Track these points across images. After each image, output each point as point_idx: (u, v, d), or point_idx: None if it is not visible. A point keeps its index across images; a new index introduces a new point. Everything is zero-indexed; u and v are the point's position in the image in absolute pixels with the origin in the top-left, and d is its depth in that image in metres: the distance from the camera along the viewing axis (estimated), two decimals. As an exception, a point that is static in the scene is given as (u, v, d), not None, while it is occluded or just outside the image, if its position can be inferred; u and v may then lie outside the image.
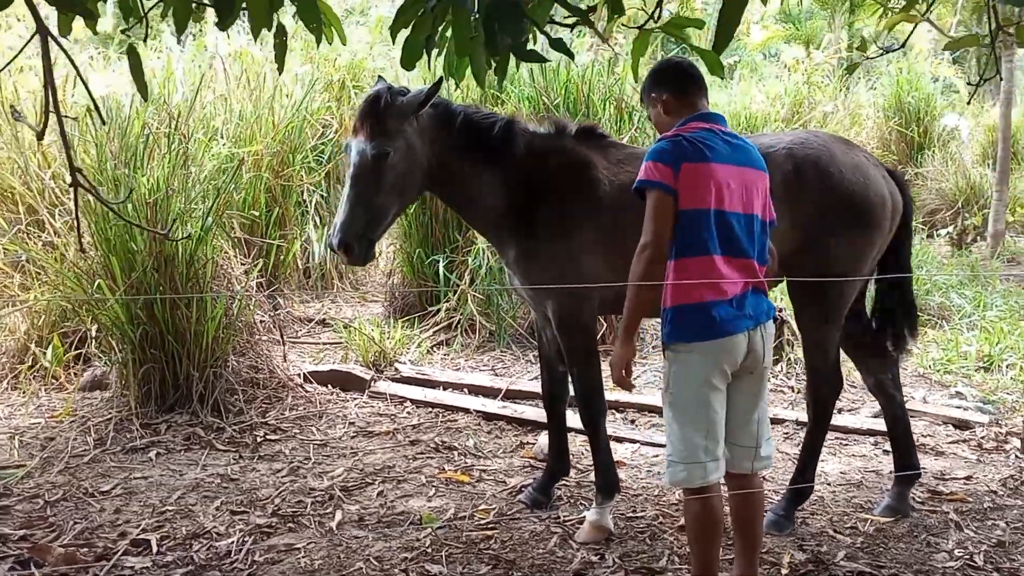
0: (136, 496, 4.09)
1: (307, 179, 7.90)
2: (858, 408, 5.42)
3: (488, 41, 2.08)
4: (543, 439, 4.75)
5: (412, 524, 3.89)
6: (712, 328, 2.89)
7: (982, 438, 5.01)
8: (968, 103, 14.36)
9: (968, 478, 4.43)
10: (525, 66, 6.99)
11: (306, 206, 8.23)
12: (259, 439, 4.75)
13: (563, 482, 4.26)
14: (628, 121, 6.41)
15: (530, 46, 2.67)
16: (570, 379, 4.07)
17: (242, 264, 5.32)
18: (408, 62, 2.27)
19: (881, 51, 3.57)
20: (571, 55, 2.16)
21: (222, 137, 6.70)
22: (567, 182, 3.73)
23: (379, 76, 3.98)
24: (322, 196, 8.44)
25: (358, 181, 3.53)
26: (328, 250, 3.62)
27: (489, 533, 3.82)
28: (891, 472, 4.48)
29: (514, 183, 3.75)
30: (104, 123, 3.23)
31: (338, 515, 3.93)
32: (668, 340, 2.96)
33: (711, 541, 3.02)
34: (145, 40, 4.21)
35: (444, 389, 5.52)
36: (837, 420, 5.09)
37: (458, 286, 6.77)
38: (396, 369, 5.72)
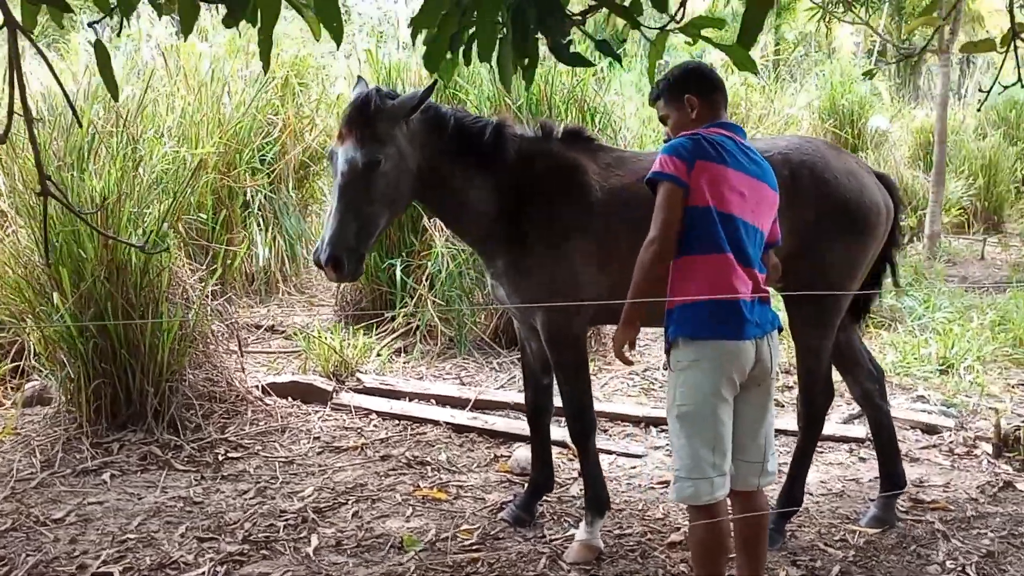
0: (92, 524, 3.82)
1: (253, 180, 7.60)
2: (828, 415, 5.38)
3: (517, 42, 1.92)
4: (519, 452, 4.61)
5: (393, 547, 3.71)
6: (725, 326, 2.81)
7: (951, 443, 5.02)
8: (979, 109, 14.65)
9: (946, 485, 4.42)
10: (483, 65, 6.82)
11: (251, 208, 7.93)
12: (220, 457, 4.50)
13: (543, 498, 4.11)
14: (591, 123, 6.28)
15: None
16: (555, 392, 3.95)
17: (194, 271, 5.02)
18: (432, 63, 2.09)
19: (901, 56, 3.49)
20: (618, 58, 2.01)
21: (168, 137, 6.36)
22: (557, 188, 3.58)
23: (359, 77, 3.77)
24: (266, 198, 8.15)
25: (347, 191, 3.31)
26: (314, 265, 3.37)
27: (475, 555, 3.66)
28: (871, 480, 4.48)
29: (504, 189, 3.58)
30: (80, 124, 2.97)
31: (314, 539, 3.73)
32: (676, 335, 2.85)
33: (718, 559, 2.93)
34: (119, 34, 3.93)
35: (410, 400, 5.33)
36: (792, 425, 5.05)
37: (415, 291, 6.57)
38: (358, 379, 5.50)
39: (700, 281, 2.83)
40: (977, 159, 14.40)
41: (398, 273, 6.52)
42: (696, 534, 2.92)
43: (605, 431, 5.10)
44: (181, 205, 5.38)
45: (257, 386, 5.17)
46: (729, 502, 2.99)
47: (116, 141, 4.76)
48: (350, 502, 4.12)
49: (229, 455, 4.53)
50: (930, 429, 5.22)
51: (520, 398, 5.28)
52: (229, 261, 6.94)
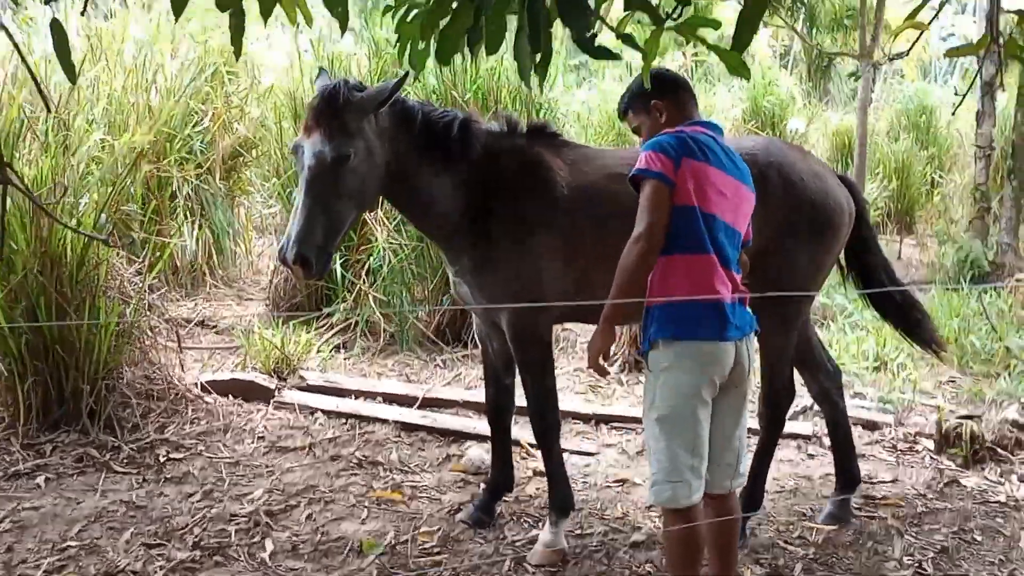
0: (29, 531, 3.61)
1: (186, 170, 7.32)
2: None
3: (532, 35, 1.84)
4: (472, 451, 4.53)
5: (352, 551, 3.60)
6: (707, 328, 2.79)
7: (892, 439, 5.12)
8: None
9: (894, 481, 4.51)
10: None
11: (179, 199, 7.65)
12: (162, 458, 4.30)
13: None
14: (536, 118, 6.22)
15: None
16: (516, 391, 3.89)
17: (131, 263, 4.80)
18: (444, 57, 2.00)
19: (888, 58, 3.51)
20: (645, 52, 1.95)
21: (97, 124, 6.07)
22: (523, 184, 3.51)
23: (320, 68, 3.64)
24: (193, 189, 7.86)
25: (314, 186, 3.17)
26: (281, 264, 3.23)
27: (437, 558, 3.58)
28: (822, 477, 4.54)
29: (471, 185, 3.50)
30: (50, 110, 2.73)
31: (268, 544, 3.59)
32: (657, 336, 2.81)
33: (693, 563, 2.91)
34: (83, 12, 3.66)
35: (356, 398, 5.19)
36: (753, 423, 5.10)
37: (354, 286, 6.42)
38: (301, 377, 5.33)
39: (682, 281, 2.80)
40: (891, 162, 14.84)
41: (337, 268, 6.35)
42: (672, 537, 2.89)
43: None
44: (120, 195, 5.11)
45: (196, 384, 4.96)
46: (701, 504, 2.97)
47: (47, 127, 4.50)
48: (302, 504, 3.98)
49: (171, 456, 4.33)
50: (870, 425, 5.32)
51: (469, 395, 5.23)
52: (158, 253, 6.65)
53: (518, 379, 3.81)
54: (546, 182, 3.50)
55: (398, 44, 3.11)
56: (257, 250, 8.51)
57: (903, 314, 4.15)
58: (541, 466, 4.43)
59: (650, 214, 2.75)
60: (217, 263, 8.21)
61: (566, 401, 5.40)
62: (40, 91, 2.01)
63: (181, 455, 4.36)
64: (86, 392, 4.33)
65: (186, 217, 7.78)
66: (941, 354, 4.33)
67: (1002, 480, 4.54)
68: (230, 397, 5.04)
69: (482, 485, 4.27)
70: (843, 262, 4.09)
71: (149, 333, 4.63)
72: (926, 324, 4.18)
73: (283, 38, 9.04)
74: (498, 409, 3.91)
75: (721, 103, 15.00)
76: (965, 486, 4.45)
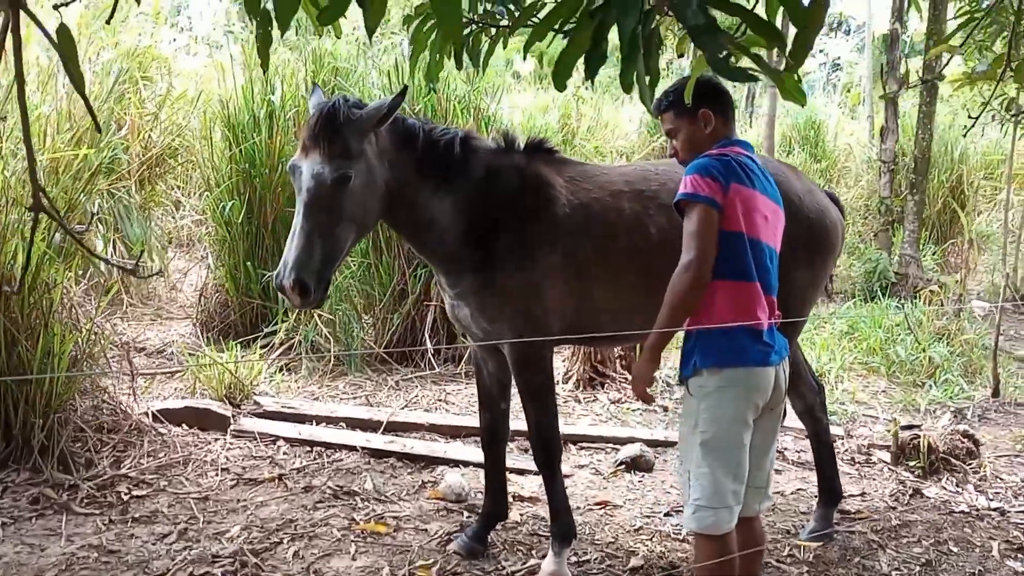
0: (-6, 583, 3.31)
1: (99, 181, 6.91)
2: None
3: (648, 56, 1.77)
4: (450, 477, 4.41)
5: (351, 590, 3.43)
6: (752, 353, 2.77)
7: (847, 452, 5.25)
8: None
9: (863, 495, 4.61)
10: (381, 71, 6.55)
11: (91, 212, 7.22)
12: (124, 496, 4.02)
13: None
14: (485, 131, 6.13)
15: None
16: (510, 416, 3.80)
17: (77, 284, 4.47)
18: (560, 82, 1.90)
19: (922, 80, 3.56)
20: (753, 79, 1.89)
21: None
22: (525, 203, 3.44)
23: (315, 84, 3.48)
24: (105, 201, 7.43)
25: (313, 209, 3.02)
26: (278, 291, 3.05)
27: (441, 594, 3.45)
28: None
29: (472, 205, 3.40)
30: (100, 131, 2.44)
31: (262, 587, 3.39)
32: (704, 364, 2.77)
33: None
34: (109, 21, 3.36)
35: (317, 424, 4.98)
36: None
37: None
38: (256, 403, 5.09)
39: (726, 308, 2.77)
40: (788, 174, 15.33)
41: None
42: (708, 563, 2.86)
43: (526, 450, 4.97)
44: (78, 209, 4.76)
45: (147, 413, 4.67)
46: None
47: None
48: (284, 540, 3.78)
49: (134, 493, 4.05)
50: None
51: (435, 419, 5.11)
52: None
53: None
54: (548, 200, 3.43)
55: (412, 54, 3.01)
56: (178, 266, 8.12)
57: None
58: (522, 491, 4.40)
59: (700, 240, 2.70)
60: (133, 280, 7.80)
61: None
62: (90, 110, 1.81)
63: (144, 492, 4.09)
64: (37, 427, 4.00)
65: (98, 230, 7.36)
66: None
67: (959, 489, 4.70)
68: (184, 426, 4.76)
69: (465, 513, 4.17)
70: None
71: (105, 359, 4.32)
72: None
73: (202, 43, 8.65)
74: (493, 435, 3.82)
75: (631, 115, 15.24)
76: (928, 496, 4.59)
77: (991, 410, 6.27)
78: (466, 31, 2.89)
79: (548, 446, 3.58)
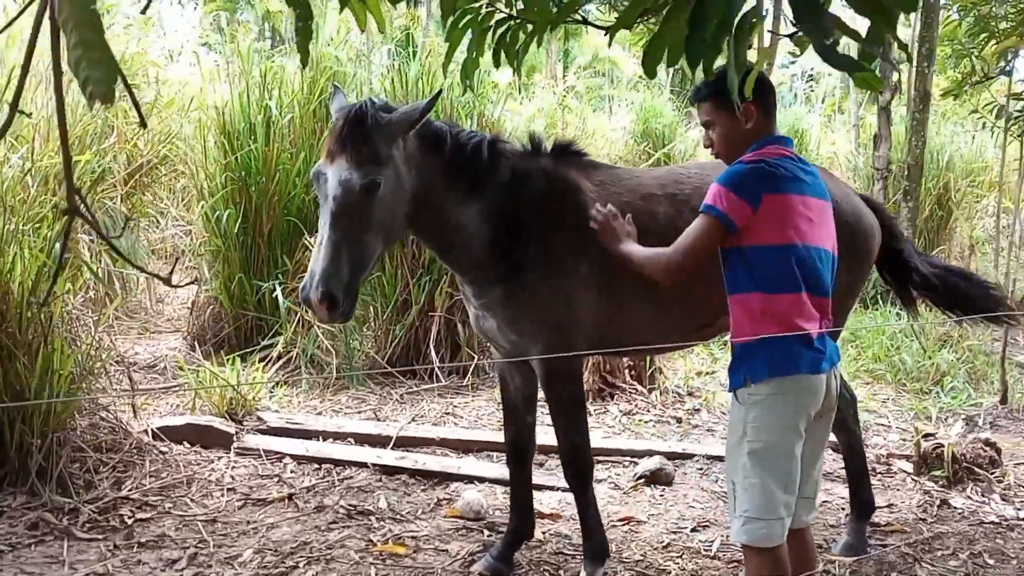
0: (-4, 616, 3.10)
1: (91, 190, 6.69)
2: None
3: (738, 40, 1.64)
4: (468, 494, 4.24)
5: (376, 617, 3.26)
6: (802, 361, 2.65)
7: (868, 462, 5.12)
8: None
9: (890, 506, 4.49)
10: (386, 77, 6.39)
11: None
12: (128, 520, 3.81)
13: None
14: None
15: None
16: (536, 430, 3.65)
17: (74, 297, 4.27)
18: (651, 70, 1.75)
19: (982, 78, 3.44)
20: (863, 68, 1.75)
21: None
22: (554, 209, 3.29)
23: (335, 86, 3.32)
24: (91, 211, 7.19)
25: (341, 218, 2.86)
26: (304, 304, 2.89)
27: (471, 619, 3.27)
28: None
29: (500, 212, 3.25)
30: (145, 126, 2.26)
31: (283, 615, 3.20)
32: (754, 378, 2.66)
33: None
34: (144, 10, 3.18)
35: (324, 440, 4.80)
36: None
37: (292, 316, 5.99)
38: (259, 418, 4.89)
39: (773, 320, 2.65)
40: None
41: (280, 297, 5.92)
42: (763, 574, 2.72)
43: (541, 465, 4.80)
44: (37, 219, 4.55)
45: (146, 431, 4.46)
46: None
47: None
48: (301, 564, 3.60)
49: (138, 517, 3.85)
50: (836, 448, 5.31)
51: (446, 433, 4.95)
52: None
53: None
54: (578, 206, 3.29)
55: (447, 52, 2.87)
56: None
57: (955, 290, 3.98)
58: (541, 508, 4.23)
59: (693, 244, 2.69)
60: (120, 293, 7.57)
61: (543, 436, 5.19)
62: (136, 105, 1.65)
63: (148, 514, 3.89)
64: (35, 447, 3.80)
65: (85, 242, 7.13)
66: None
67: (985, 499, 4.59)
68: (186, 444, 4.56)
69: (485, 531, 4.01)
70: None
71: (106, 377, 4.12)
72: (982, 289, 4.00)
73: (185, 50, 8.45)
74: (519, 450, 3.66)
75: (615, 124, 15.18)
76: (955, 507, 4.48)
77: (1001, 417, 6.19)
78: (503, 28, 2.74)
79: (580, 462, 3.43)
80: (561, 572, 3.68)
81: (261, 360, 5.88)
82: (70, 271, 4.35)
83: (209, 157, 6.49)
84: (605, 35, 2.46)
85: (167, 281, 1.88)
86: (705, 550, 3.90)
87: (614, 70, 24.29)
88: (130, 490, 4.03)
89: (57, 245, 3.73)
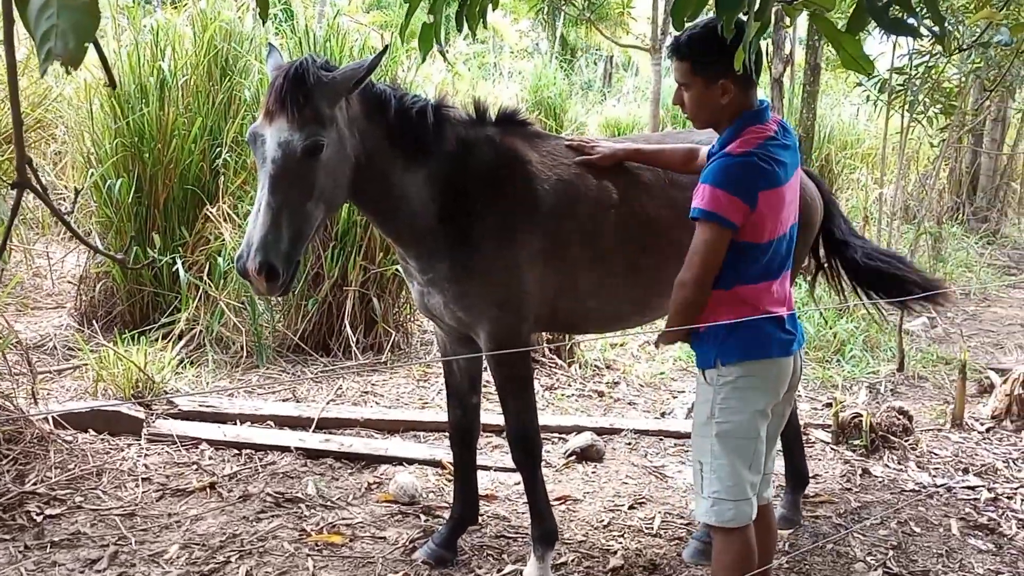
0: None
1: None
2: (674, 410, 5.39)
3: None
4: (400, 477, 4.09)
5: (321, 613, 3.09)
6: (778, 345, 2.64)
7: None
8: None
9: (815, 477, 4.56)
10: (290, 38, 6.05)
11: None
12: (36, 516, 3.51)
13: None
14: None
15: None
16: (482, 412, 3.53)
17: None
18: (679, 23, 1.62)
19: (958, 48, 3.42)
20: (916, 33, 1.66)
21: None
22: (501, 180, 3.15)
23: (270, 44, 3.07)
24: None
25: (280, 183, 2.66)
26: (240, 275, 2.67)
27: (421, 610, 3.15)
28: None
29: (445, 182, 3.08)
30: (114, 86, 1.92)
31: (221, 616, 3.00)
32: (725, 360, 2.62)
33: None
34: None
35: (241, 423, 4.54)
36: (671, 425, 5.03)
37: (194, 291, 5.66)
38: (170, 402, 4.59)
39: (746, 306, 2.62)
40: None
41: (181, 271, 5.57)
42: (729, 558, 2.71)
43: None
44: None
45: (47, 419, 4.12)
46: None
47: None
48: (232, 559, 3.39)
49: (47, 512, 3.55)
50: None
51: (370, 414, 4.77)
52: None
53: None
54: (526, 177, 3.16)
55: (406, 13, 2.69)
56: (40, 251, 7.35)
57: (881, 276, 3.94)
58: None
59: (704, 260, 2.55)
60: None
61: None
62: (106, 66, 1.43)
63: (59, 510, 3.59)
64: (-74, 441, 3.45)
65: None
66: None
67: (902, 467, 4.73)
68: (91, 432, 4.24)
69: (422, 516, 3.87)
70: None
71: (4, 360, 3.76)
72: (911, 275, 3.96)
73: None
74: (464, 432, 3.53)
75: (504, 94, 15.03)
76: (876, 476, 4.60)
77: (900, 384, 6.41)
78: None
79: (528, 442, 3.32)
80: (504, 556, 3.59)
81: (163, 338, 5.54)
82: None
83: (96, 121, 6.03)
84: None
85: (122, 263, 1.67)
86: (646, 528, 3.87)
87: (495, 37, 24.18)
88: (35, 484, 3.72)
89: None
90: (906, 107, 8.88)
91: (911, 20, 1.84)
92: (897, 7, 1.66)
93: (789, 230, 2.71)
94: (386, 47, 2.91)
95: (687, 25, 2.44)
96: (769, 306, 2.63)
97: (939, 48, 6.83)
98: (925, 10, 1.65)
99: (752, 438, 2.64)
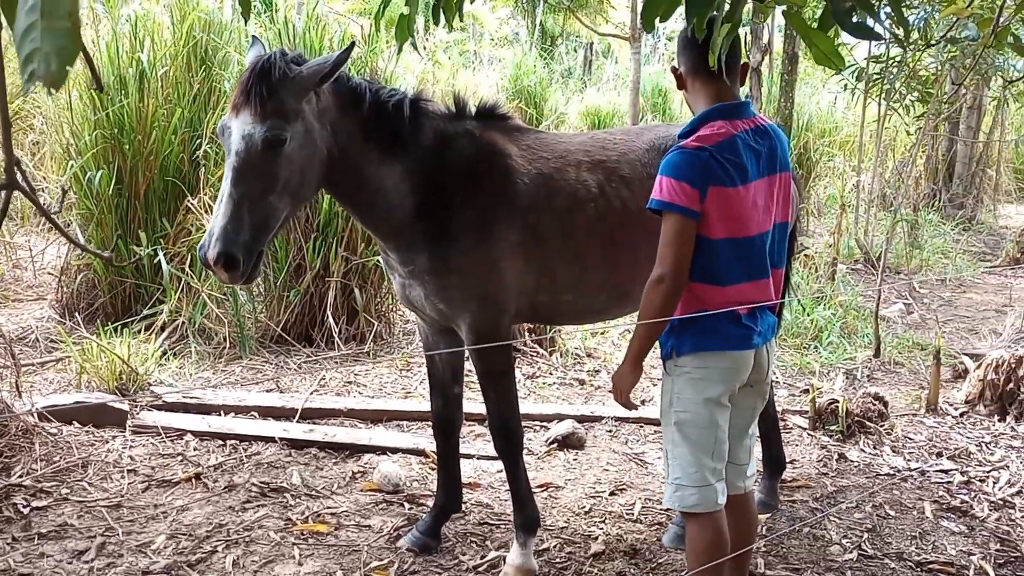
0: None
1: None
2: (654, 398, 5.46)
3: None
4: (384, 467, 4.14)
5: (307, 601, 3.14)
6: (732, 340, 2.68)
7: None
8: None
9: (792, 462, 4.65)
10: (269, 28, 6.05)
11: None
12: (23, 508, 3.54)
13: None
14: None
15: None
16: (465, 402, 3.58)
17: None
18: (650, 23, 1.66)
19: (927, 44, 3.48)
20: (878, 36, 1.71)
21: None
22: (480, 174, 3.20)
23: (254, 37, 3.09)
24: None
25: (243, 175, 2.71)
26: (202, 264, 2.71)
27: (405, 596, 3.20)
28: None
29: (423, 175, 3.13)
30: (101, 89, 1.93)
31: (209, 605, 3.04)
32: (680, 350, 2.68)
33: (720, 569, 2.80)
34: None
35: (225, 414, 4.57)
36: (651, 412, 5.09)
37: (176, 283, 5.67)
38: (153, 394, 4.61)
39: (702, 305, 2.67)
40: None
41: (163, 262, 5.58)
42: (699, 544, 2.77)
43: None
44: None
45: (31, 412, 4.14)
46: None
47: None
48: (219, 549, 3.43)
49: (34, 504, 3.58)
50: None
51: (353, 403, 4.81)
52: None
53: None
54: (505, 171, 3.21)
55: (381, 4, 2.72)
56: (19, 243, 7.33)
57: None
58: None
59: (675, 251, 2.58)
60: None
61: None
62: (92, 69, 1.47)
63: (45, 502, 3.62)
64: (-89, 435, 3.46)
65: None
66: None
67: (877, 451, 4.83)
68: (76, 424, 4.26)
69: (406, 504, 3.92)
70: None
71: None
72: None
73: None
74: (447, 422, 3.58)
75: (484, 83, 15.03)
76: (852, 460, 4.69)
77: (876, 370, 6.51)
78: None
79: (509, 432, 3.38)
80: (488, 543, 3.65)
81: (145, 330, 5.55)
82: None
83: (75, 112, 6.01)
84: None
85: (109, 260, 1.70)
86: (627, 514, 3.94)
87: (475, 24, 24.11)
88: (21, 476, 3.74)
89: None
90: (883, 95, 9.01)
91: (874, 24, 1.89)
92: (860, 11, 1.71)
93: (768, 231, 2.75)
94: (352, 43, 2.94)
95: None
96: (723, 303, 2.67)
97: (915, 37, 6.93)
98: (891, 12, 1.70)
99: (709, 427, 2.68)
